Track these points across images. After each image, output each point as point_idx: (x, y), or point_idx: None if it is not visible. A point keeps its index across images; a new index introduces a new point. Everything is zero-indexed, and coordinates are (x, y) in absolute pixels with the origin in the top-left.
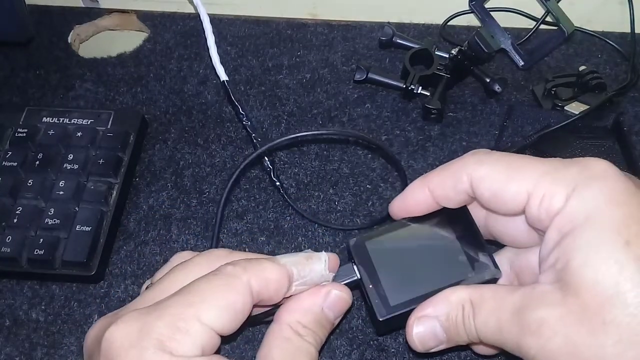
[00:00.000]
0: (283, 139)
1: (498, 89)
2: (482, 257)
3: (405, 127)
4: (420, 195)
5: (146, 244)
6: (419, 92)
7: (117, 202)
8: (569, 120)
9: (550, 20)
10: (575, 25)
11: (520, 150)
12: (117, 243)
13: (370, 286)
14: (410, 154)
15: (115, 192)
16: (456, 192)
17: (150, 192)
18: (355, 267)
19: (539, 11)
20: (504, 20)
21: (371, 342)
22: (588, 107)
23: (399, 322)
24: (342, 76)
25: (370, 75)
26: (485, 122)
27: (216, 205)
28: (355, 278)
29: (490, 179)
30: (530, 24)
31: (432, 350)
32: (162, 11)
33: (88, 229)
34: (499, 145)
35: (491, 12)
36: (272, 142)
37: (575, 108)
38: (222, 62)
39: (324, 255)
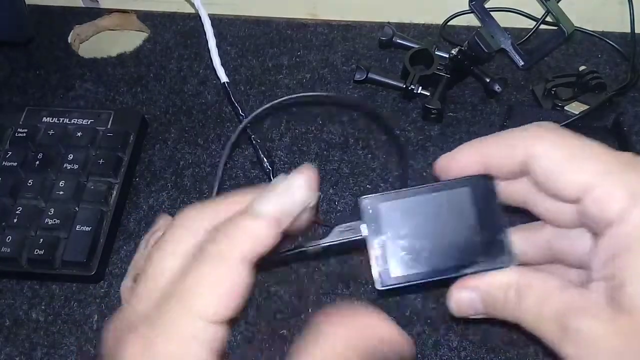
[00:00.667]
0: (283, 99)
1: (498, 89)
2: (499, 240)
3: (405, 127)
4: (469, 158)
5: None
6: (419, 92)
7: (117, 202)
8: (569, 120)
9: (550, 20)
10: (575, 25)
11: None
12: (117, 243)
13: (375, 251)
14: (410, 154)
15: (115, 192)
16: (508, 163)
17: (150, 192)
18: (363, 227)
19: (539, 11)
20: (504, 20)
21: None
22: (588, 107)
23: (398, 292)
24: (342, 76)
25: (370, 75)
26: (485, 122)
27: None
28: (361, 237)
29: (547, 159)
30: (530, 24)
31: (470, 317)
32: (162, 11)
33: (88, 229)
34: None
35: (491, 12)
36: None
37: (575, 108)
38: (222, 63)
39: (301, 179)
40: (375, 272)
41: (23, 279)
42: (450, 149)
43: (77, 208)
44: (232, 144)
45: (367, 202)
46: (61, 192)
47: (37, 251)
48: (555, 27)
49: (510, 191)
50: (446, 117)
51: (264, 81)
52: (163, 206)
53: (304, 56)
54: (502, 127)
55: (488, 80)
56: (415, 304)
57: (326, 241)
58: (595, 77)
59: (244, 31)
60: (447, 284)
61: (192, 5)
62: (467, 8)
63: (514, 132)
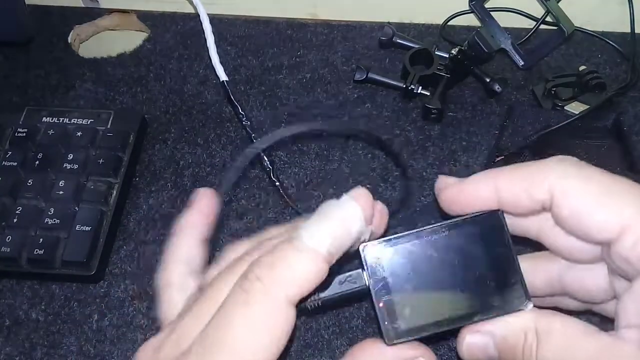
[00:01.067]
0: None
1: (498, 89)
2: (513, 282)
3: (405, 127)
4: (483, 191)
5: (146, 243)
6: (419, 92)
7: (117, 202)
8: (569, 120)
9: (550, 20)
10: (575, 25)
11: (520, 150)
12: (117, 243)
13: (381, 304)
14: (410, 154)
15: (115, 192)
16: (529, 199)
17: (150, 192)
18: (365, 276)
19: (539, 11)
20: (504, 20)
21: None
22: (588, 107)
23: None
24: (342, 76)
25: (370, 75)
26: (485, 122)
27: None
28: (364, 287)
29: (577, 197)
30: (530, 24)
31: None
32: (162, 11)
33: (88, 228)
34: (499, 145)
35: (491, 12)
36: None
37: (575, 108)
38: (222, 62)
39: (358, 212)
40: (383, 326)
41: (23, 279)
42: (450, 149)
43: (77, 208)
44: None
45: (369, 250)
46: (61, 192)
47: (37, 251)
48: (555, 27)
49: (523, 224)
50: (446, 117)
51: (264, 81)
52: (163, 206)
53: (304, 56)
54: (502, 127)
55: (488, 80)
56: None
57: (326, 295)
58: (595, 77)
59: (244, 31)
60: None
61: (192, 4)
62: (467, 8)
63: (533, 166)
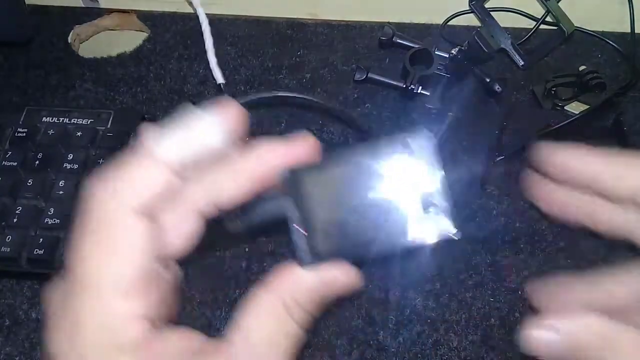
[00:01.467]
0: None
1: (498, 89)
2: (441, 210)
3: (405, 127)
4: (574, 164)
5: None
6: (419, 92)
7: None
8: (569, 120)
9: (551, 20)
10: (575, 25)
11: (521, 150)
12: None
13: (298, 226)
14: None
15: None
16: (618, 186)
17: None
18: (285, 200)
19: (539, 11)
20: (504, 20)
21: (371, 342)
22: (588, 107)
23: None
24: (342, 76)
25: (370, 75)
26: (485, 122)
27: None
28: (283, 213)
29: None
30: (530, 23)
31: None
32: (162, 11)
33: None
34: (499, 145)
35: (491, 12)
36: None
37: (576, 108)
38: (222, 62)
39: (216, 123)
40: (299, 249)
41: (23, 279)
42: (450, 149)
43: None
44: None
45: (292, 173)
46: (61, 192)
47: (37, 251)
48: (556, 27)
49: (614, 221)
50: (446, 117)
51: (264, 81)
52: None
53: (304, 56)
54: (502, 127)
55: (488, 80)
56: (415, 303)
57: (247, 220)
58: (596, 77)
59: (244, 31)
60: (391, 258)
61: (191, 5)
62: (467, 8)
63: (631, 157)
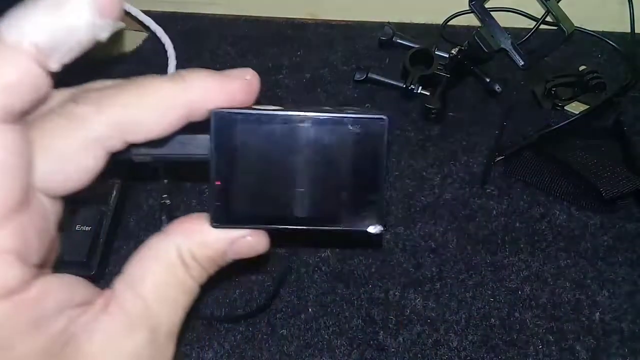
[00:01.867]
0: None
1: (498, 88)
2: (371, 200)
3: (405, 127)
4: None
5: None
6: (419, 92)
7: (117, 202)
8: (569, 120)
9: (551, 20)
10: (575, 25)
11: (521, 150)
12: (117, 243)
13: (218, 182)
14: (410, 153)
15: (115, 192)
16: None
17: (151, 192)
18: (210, 145)
19: (539, 11)
20: (504, 20)
21: (371, 342)
22: (588, 107)
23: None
24: (342, 76)
25: (370, 75)
26: (485, 122)
27: None
28: (205, 156)
29: None
30: (530, 23)
31: None
32: (162, 11)
33: (88, 228)
34: (499, 145)
35: (491, 12)
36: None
37: (576, 108)
38: (222, 62)
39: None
40: (213, 206)
41: None
42: (450, 149)
43: (77, 208)
44: None
45: (222, 116)
46: None
47: None
48: (556, 27)
49: None
50: (446, 117)
51: (264, 81)
52: (174, 197)
53: (304, 56)
54: (502, 127)
55: (488, 80)
56: (416, 303)
57: (159, 152)
58: (596, 77)
59: (244, 31)
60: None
61: (148, 28)
62: (467, 8)
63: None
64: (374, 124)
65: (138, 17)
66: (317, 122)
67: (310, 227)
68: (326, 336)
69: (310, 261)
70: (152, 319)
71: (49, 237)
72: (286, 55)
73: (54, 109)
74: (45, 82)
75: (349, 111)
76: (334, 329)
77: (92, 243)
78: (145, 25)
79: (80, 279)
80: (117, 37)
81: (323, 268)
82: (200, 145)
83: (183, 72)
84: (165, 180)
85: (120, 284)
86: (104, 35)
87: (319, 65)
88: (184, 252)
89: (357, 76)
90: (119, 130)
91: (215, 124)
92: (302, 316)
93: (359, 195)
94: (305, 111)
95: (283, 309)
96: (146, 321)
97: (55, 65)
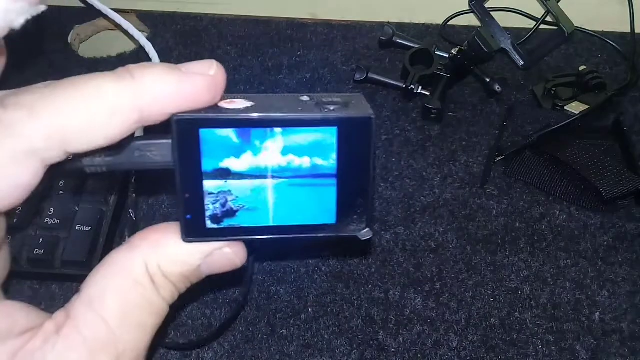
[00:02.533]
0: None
1: (498, 88)
2: (357, 204)
3: (405, 127)
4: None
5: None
6: (419, 92)
7: (117, 202)
8: (569, 120)
9: (551, 20)
10: (575, 25)
11: (521, 150)
12: (117, 242)
13: (187, 194)
14: (410, 153)
15: (115, 192)
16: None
17: (150, 192)
18: (174, 155)
19: (539, 11)
20: (504, 20)
21: (371, 342)
22: (588, 107)
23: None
24: (342, 76)
25: (370, 75)
26: (485, 122)
27: None
28: (168, 165)
29: None
30: (530, 23)
31: None
32: (162, 11)
33: (88, 228)
34: (499, 145)
35: (491, 12)
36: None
37: (576, 108)
38: (222, 62)
39: None
40: (184, 220)
41: (23, 279)
42: (450, 149)
43: (77, 208)
44: None
45: (185, 123)
46: (61, 192)
47: (37, 251)
48: (556, 27)
49: None
50: (446, 117)
51: (264, 81)
52: (163, 206)
53: (304, 56)
54: (502, 127)
55: (488, 80)
56: (416, 303)
57: (114, 161)
58: (596, 77)
59: (244, 31)
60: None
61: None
62: (467, 8)
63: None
64: (359, 124)
65: (128, 30)
66: (293, 123)
67: (294, 236)
68: (326, 336)
69: (311, 261)
70: (115, 345)
71: None
72: (286, 55)
73: None
74: None
75: (329, 107)
76: (334, 329)
77: (92, 243)
78: (135, 39)
79: (22, 303)
80: (116, 35)
81: (323, 268)
82: (162, 151)
83: (132, 67)
84: (134, 195)
85: (77, 303)
86: (19, 20)
87: (319, 65)
88: (152, 267)
89: (357, 76)
90: (56, 139)
91: (177, 133)
92: (302, 316)
93: (345, 199)
94: (279, 112)
95: (283, 309)
96: (108, 347)
97: None
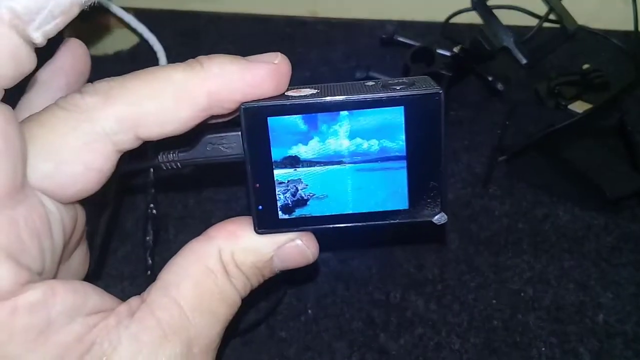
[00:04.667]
0: None
1: (500, 87)
2: (431, 187)
3: None
4: None
5: (144, 244)
6: None
7: (114, 203)
8: (573, 120)
9: (554, 18)
10: (578, 23)
11: (523, 149)
12: (114, 244)
13: (257, 184)
14: None
15: (112, 192)
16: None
17: (149, 193)
18: (243, 145)
19: (542, 9)
20: (506, 18)
21: (372, 345)
22: (592, 106)
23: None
24: (342, 74)
25: (371, 74)
26: (487, 121)
27: (214, 203)
28: (239, 156)
29: None
30: (533, 22)
31: None
32: (160, 9)
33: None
34: (502, 144)
35: (493, 10)
36: None
37: (579, 107)
38: None
39: None
40: (255, 211)
41: None
42: (452, 149)
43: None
44: None
45: (253, 111)
46: None
47: None
48: (559, 25)
49: None
50: (448, 116)
51: None
52: (161, 206)
53: (304, 54)
54: (505, 126)
55: (490, 78)
56: (417, 305)
57: (188, 156)
58: (599, 75)
59: (243, 29)
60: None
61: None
62: (470, 6)
63: None
64: (428, 101)
65: (131, 23)
66: (360, 105)
67: (367, 223)
68: (326, 339)
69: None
70: (189, 330)
71: (52, 243)
72: (286, 53)
73: (57, 101)
74: (28, 55)
75: (395, 87)
76: (334, 331)
77: (89, 243)
78: (138, 32)
79: (93, 285)
80: (112, 33)
81: (323, 269)
82: (232, 143)
83: (202, 58)
84: (153, 190)
85: (153, 289)
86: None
87: (319, 64)
88: (226, 257)
89: (358, 74)
90: (128, 123)
91: (246, 121)
92: (302, 318)
93: (416, 182)
94: (346, 94)
95: (282, 311)
96: (181, 332)
97: (37, 35)
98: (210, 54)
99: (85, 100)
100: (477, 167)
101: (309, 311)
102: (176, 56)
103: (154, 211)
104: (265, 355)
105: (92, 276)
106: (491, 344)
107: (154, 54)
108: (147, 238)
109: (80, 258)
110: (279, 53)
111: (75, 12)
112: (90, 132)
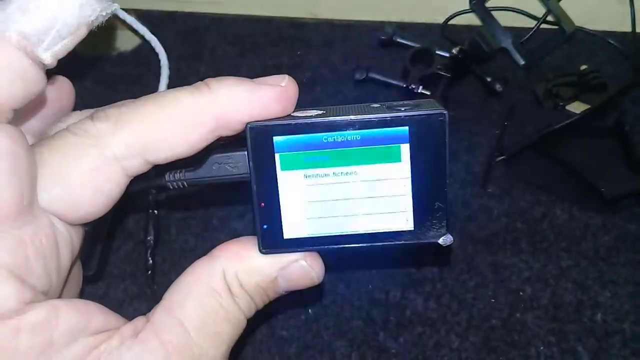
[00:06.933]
0: None
1: (499, 88)
2: (436, 208)
3: None
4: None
5: (145, 243)
6: (419, 91)
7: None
8: (570, 120)
9: (551, 20)
10: (576, 24)
11: (522, 150)
12: (117, 242)
13: (262, 203)
14: None
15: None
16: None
17: (149, 192)
18: (248, 163)
19: (539, 10)
20: (504, 19)
21: (371, 343)
22: (589, 106)
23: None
24: (342, 76)
25: (371, 75)
26: (486, 122)
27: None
28: (245, 176)
29: None
30: (531, 23)
31: None
32: (162, 10)
33: (87, 228)
34: (500, 145)
35: (492, 12)
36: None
37: (577, 108)
38: (221, 61)
39: None
40: (260, 231)
41: None
42: (450, 149)
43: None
44: None
45: (259, 131)
46: None
47: None
48: (556, 27)
49: None
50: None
51: None
52: (162, 206)
53: (304, 55)
54: (503, 127)
55: (489, 79)
56: (416, 304)
57: (194, 176)
58: (597, 76)
59: (244, 30)
60: (369, 252)
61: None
62: (468, 7)
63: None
64: (433, 121)
65: (132, 25)
66: (365, 125)
67: (373, 244)
68: (326, 337)
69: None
70: (193, 350)
71: (59, 263)
72: (286, 55)
73: (69, 127)
74: (37, 76)
75: (400, 108)
76: (334, 330)
77: (91, 243)
78: (140, 34)
79: (98, 304)
80: (114, 34)
81: None
82: (239, 163)
83: (209, 81)
84: (156, 211)
85: (158, 310)
86: (94, 17)
87: (319, 65)
88: (230, 277)
89: (357, 76)
90: (138, 148)
91: (252, 140)
92: (302, 317)
93: (421, 203)
94: (350, 114)
95: (282, 310)
96: (185, 352)
97: (46, 56)
98: (211, 54)
99: (96, 126)
100: (475, 167)
101: (309, 310)
102: (178, 58)
103: (156, 211)
104: (266, 354)
105: (95, 277)
106: (490, 342)
107: (155, 55)
108: (148, 238)
109: (77, 274)
110: (286, 75)
111: (83, 32)
112: (100, 157)
